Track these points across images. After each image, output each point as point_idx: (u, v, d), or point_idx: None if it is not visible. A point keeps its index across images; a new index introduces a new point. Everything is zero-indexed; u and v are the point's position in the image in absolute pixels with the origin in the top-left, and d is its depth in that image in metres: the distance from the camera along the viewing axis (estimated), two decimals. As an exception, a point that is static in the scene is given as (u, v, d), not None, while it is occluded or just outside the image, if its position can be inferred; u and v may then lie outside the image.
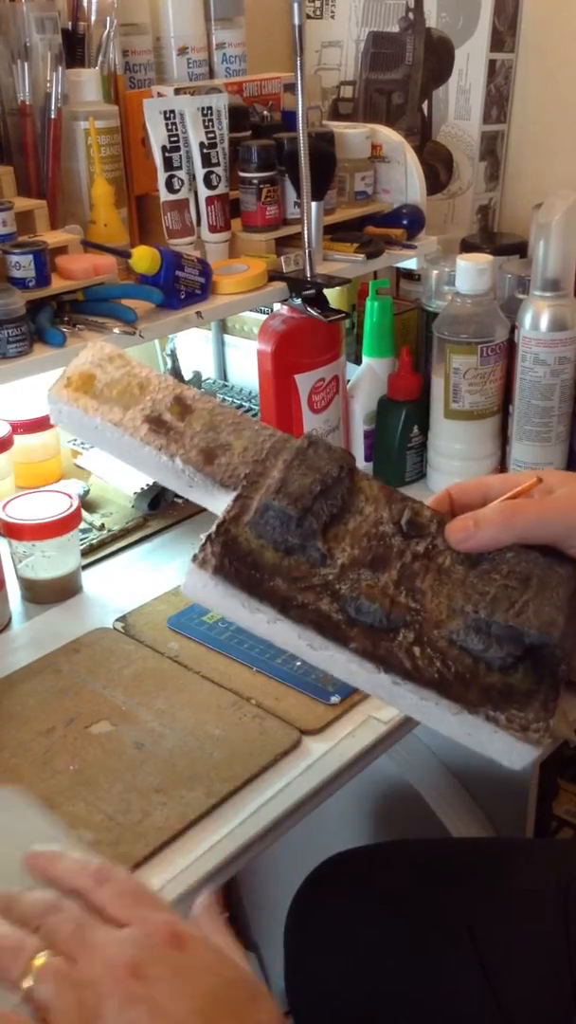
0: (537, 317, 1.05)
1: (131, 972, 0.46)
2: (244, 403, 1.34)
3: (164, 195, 1.01)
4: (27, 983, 0.47)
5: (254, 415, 1.29)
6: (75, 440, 1.18)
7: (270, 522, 0.60)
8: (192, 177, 1.02)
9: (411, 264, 1.21)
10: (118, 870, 0.52)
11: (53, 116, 0.96)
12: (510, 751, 0.56)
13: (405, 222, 1.18)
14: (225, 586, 0.57)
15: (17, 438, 1.09)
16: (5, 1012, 0.47)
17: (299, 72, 0.96)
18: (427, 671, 0.57)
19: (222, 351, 1.38)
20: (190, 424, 0.65)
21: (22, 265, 0.87)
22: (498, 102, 1.35)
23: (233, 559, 0.59)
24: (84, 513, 1.08)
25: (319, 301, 1.05)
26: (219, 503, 0.63)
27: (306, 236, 1.02)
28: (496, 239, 1.31)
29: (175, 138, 1.00)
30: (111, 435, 0.65)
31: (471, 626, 0.58)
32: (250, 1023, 0.47)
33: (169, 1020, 0.45)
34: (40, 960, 0.47)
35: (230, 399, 1.35)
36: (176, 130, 1.00)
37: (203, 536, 0.59)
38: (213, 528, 0.60)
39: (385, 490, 0.65)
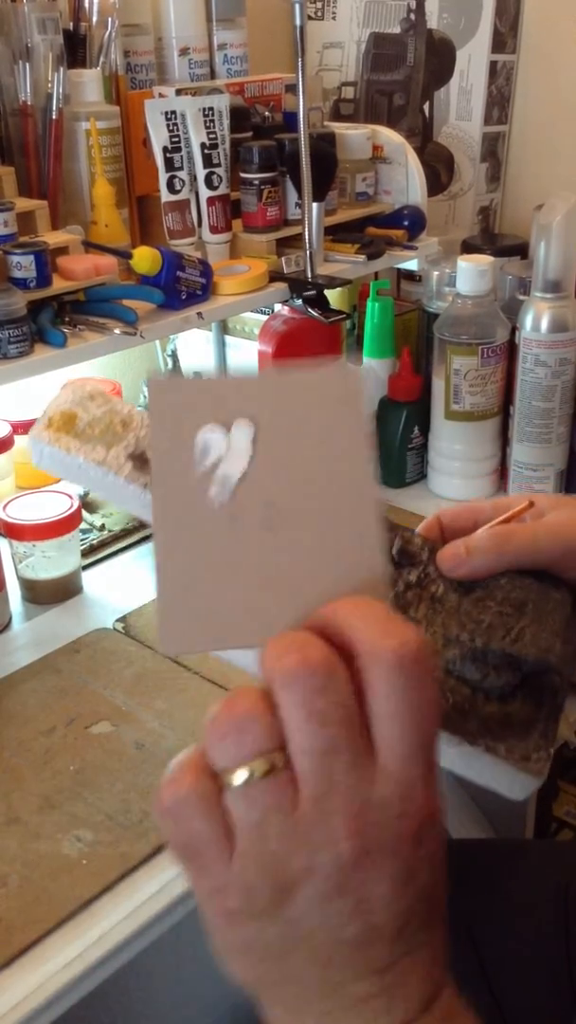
0: (538, 318, 1.05)
1: (358, 858, 0.36)
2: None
3: (165, 196, 1.01)
4: (232, 779, 0.37)
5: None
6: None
7: None
8: (193, 178, 1.03)
9: (412, 265, 1.21)
10: (430, 673, 0.38)
11: (54, 117, 0.96)
12: (511, 782, 0.55)
13: (406, 223, 1.18)
14: None
15: (18, 438, 1.09)
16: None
17: (300, 73, 0.96)
18: None
19: (223, 352, 1.38)
20: None
21: (23, 265, 0.87)
22: (499, 103, 1.35)
23: None
24: (84, 513, 1.08)
25: (320, 302, 1.05)
26: None
27: (307, 237, 1.03)
28: (497, 240, 1.31)
29: (176, 139, 1.00)
30: (95, 474, 0.65)
31: (467, 655, 0.57)
32: (436, 915, 0.40)
33: (369, 920, 0.37)
34: (257, 767, 0.36)
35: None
36: (177, 131, 1.00)
37: None
38: None
39: None
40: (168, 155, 1.00)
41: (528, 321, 1.06)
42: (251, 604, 0.41)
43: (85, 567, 1.02)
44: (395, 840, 0.37)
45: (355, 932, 0.38)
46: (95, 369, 1.23)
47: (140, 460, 0.65)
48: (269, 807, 0.37)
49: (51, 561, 0.96)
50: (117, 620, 0.94)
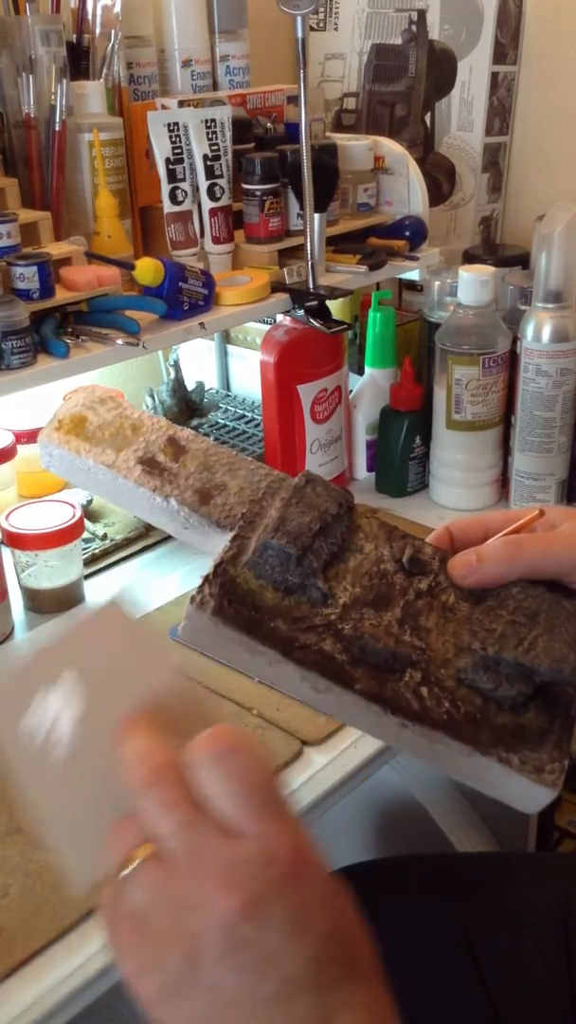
0: (539, 328, 1.05)
1: (241, 911, 0.39)
2: (247, 413, 1.34)
3: (168, 207, 1.01)
4: (122, 874, 0.41)
5: (257, 425, 1.29)
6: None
7: (269, 561, 0.58)
8: (196, 189, 1.03)
9: (413, 275, 1.21)
10: (243, 747, 0.43)
11: (58, 128, 0.96)
12: (524, 794, 0.54)
13: (407, 233, 1.18)
14: (225, 628, 0.55)
15: (20, 448, 1.09)
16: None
17: (302, 84, 0.96)
18: (436, 712, 0.55)
19: (225, 361, 1.39)
20: (184, 465, 0.64)
21: (26, 276, 0.87)
22: (500, 114, 1.35)
23: (232, 600, 0.56)
24: (86, 523, 1.08)
25: (322, 312, 1.05)
26: (215, 544, 0.61)
27: (309, 248, 1.03)
28: (498, 250, 1.31)
29: (179, 150, 1.00)
30: (104, 477, 0.64)
31: (479, 664, 0.57)
32: (361, 964, 0.42)
33: (280, 971, 0.39)
34: (137, 856, 0.41)
35: (233, 409, 1.35)
36: (180, 142, 1.00)
37: (200, 577, 0.57)
38: (210, 569, 0.58)
39: (385, 527, 0.63)
40: (171, 166, 1.00)
41: (529, 331, 1.06)
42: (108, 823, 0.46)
43: (87, 576, 1.02)
44: (273, 885, 0.40)
45: (274, 988, 0.39)
46: (97, 380, 1.23)
47: (150, 464, 0.64)
48: (151, 886, 0.41)
49: (53, 571, 0.97)
50: (119, 630, 0.94)
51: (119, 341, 0.91)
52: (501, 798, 0.55)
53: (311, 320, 1.04)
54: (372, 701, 0.55)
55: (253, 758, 0.43)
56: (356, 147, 1.17)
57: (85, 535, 1.05)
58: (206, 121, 1.01)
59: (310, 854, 0.42)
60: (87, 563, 1.03)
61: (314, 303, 1.04)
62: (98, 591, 1.01)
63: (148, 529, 1.11)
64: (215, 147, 1.02)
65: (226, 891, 0.39)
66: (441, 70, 1.34)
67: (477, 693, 0.57)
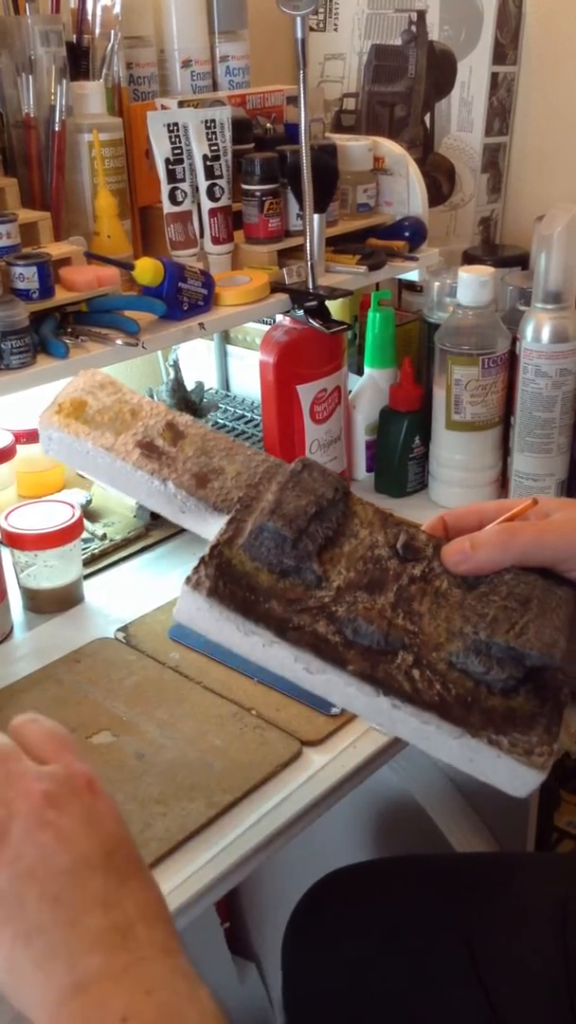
0: (539, 329, 1.05)
1: (46, 800, 0.48)
2: (246, 413, 1.34)
3: (167, 207, 1.01)
4: None
5: (256, 425, 1.29)
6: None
7: (265, 543, 0.59)
8: (195, 189, 1.03)
9: (413, 276, 1.21)
10: (48, 719, 0.55)
11: (57, 128, 0.96)
12: (513, 777, 0.55)
13: (407, 234, 1.18)
14: (220, 609, 0.57)
15: (20, 447, 1.09)
16: None
17: (302, 85, 0.96)
18: (427, 694, 0.56)
19: (225, 361, 1.39)
20: (182, 449, 0.65)
21: (26, 277, 0.87)
22: (500, 114, 1.35)
23: (227, 581, 0.58)
24: (86, 523, 1.08)
25: (321, 313, 1.05)
26: (212, 528, 0.62)
27: (308, 248, 1.03)
28: (498, 251, 1.31)
29: (178, 150, 1.00)
30: (103, 460, 0.65)
31: (471, 648, 0.58)
32: (145, 873, 0.49)
33: (75, 849, 0.47)
34: None
35: (232, 409, 1.35)
36: (179, 142, 1.00)
37: (196, 558, 0.59)
38: (207, 550, 0.59)
39: (380, 514, 0.65)
40: (170, 167, 1.00)
41: (529, 331, 1.06)
42: None
43: (86, 576, 1.02)
44: (72, 790, 0.49)
45: (68, 861, 0.46)
46: (97, 379, 1.23)
47: (148, 448, 0.65)
48: None
49: (53, 571, 0.97)
50: (118, 630, 0.94)
51: (119, 341, 0.91)
52: (490, 781, 0.56)
53: (311, 320, 1.04)
54: (364, 682, 0.56)
55: (57, 725, 0.54)
56: (356, 147, 1.17)
57: (84, 535, 1.05)
58: (206, 121, 1.01)
59: (96, 781, 0.51)
60: (87, 563, 1.03)
61: (314, 303, 1.04)
62: (97, 591, 1.02)
63: (148, 529, 1.11)
64: (215, 147, 1.02)
65: (36, 783, 0.48)
66: (441, 71, 1.34)
67: (468, 676, 0.58)
